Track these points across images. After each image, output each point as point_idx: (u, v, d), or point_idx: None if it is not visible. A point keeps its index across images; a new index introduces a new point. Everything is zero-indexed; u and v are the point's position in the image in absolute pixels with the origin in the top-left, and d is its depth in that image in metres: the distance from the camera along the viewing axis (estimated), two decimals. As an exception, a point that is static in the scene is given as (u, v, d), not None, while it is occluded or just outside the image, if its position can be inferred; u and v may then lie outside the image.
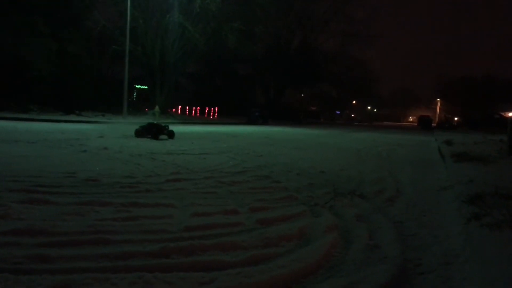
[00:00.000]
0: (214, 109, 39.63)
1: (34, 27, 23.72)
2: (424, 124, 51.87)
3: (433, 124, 55.88)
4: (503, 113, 47.65)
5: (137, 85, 34.92)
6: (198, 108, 39.75)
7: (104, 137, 12.25)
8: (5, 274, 2.54)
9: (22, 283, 2.45)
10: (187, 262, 3.01)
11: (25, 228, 3.41)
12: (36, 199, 4.28)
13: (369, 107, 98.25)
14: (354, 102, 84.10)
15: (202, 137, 15.16)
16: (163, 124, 13.36)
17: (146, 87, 34.84)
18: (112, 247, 3.15)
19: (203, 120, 32.96)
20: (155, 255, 3.07)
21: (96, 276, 2.59)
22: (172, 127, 13.79)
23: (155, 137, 12.59)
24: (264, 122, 34.08)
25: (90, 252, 3.04)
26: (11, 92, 23.55)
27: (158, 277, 2.65)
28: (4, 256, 2.84)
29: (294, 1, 46.75)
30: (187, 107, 39.11)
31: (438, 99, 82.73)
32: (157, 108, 26.05)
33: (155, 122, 14.31)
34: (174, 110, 36.25)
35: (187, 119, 31.15)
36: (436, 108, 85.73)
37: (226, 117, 38.72)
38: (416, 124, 63.68)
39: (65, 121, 20.01)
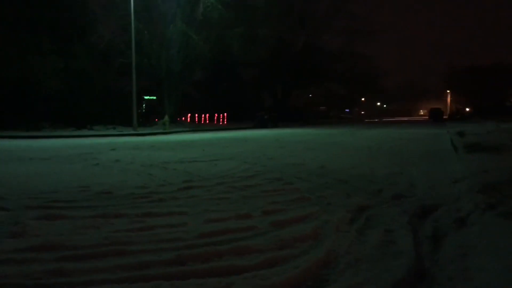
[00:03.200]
0: (223, 115, 39.75)
1: (40, 45, 24.07)
2: (435, 116, 51.46)
3: (444, 116, 55.38)
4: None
5: (146, 96, 35.19)
6: (207, 115, 39.91)
7: (116, 150, 12.37)
8: (25, 289, 2.59)
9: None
10: (203, 268, 3.03)
11: (43, 243, 3.46)
12: (52, 215, 4.35)
13: (378, 103, 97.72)
14: (363, 99, 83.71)
15: (212, 143, 15.23)
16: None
17: (155, 97, 35.12)
18: (128, 258, 3.19)
19: (212, 126, 33.10)
20: (171, 263, 3.10)
21: (114, 287, 2.63)
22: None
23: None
24: (273, 125, 34.08)
25: (107, 263, 3.08)
26: (22, 111, 23.90)
27: (175, 285, 2.68)
28: (24, 272, 2.89)
29: (294, 2, 46.76)
30: (196, 115, 39.31)
31: (448, 91, 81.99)
32: (166, 117, 26.25)
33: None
34: (183, 118, 36.47)
35: (196, 127, 31.31)
36: (446, 100, 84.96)
37: (235, 122, 38.82)
38: (427, 117, 63.13)
39: (78, 136, 20.24)
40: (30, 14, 23.85)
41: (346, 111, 76.51)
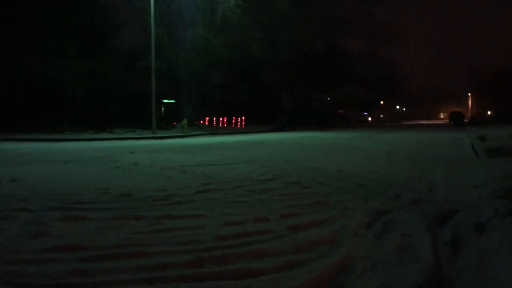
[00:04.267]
0: (241, 118, 39.86)
1: (63, 49, 24.60)
2: (456, 120, 50.62)
3: (465, 120, 54.46)
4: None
5: (164, 99, 35.55)
6: (226, 118, 40.07)
7: (135, 153, 12.54)
8: (48, 289, 2.67)
9: (65, 297, 2.56)
10: (220, 271, 3.07)
11: (65, 244, 3.56)
12: (74, 216, 4.45)
13: (398, 107, 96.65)
14: (382, 102, 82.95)
15: (230, 147, 15.30)
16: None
17: (174, 101, 35.44)
18: (147, 259, 3.25)
19: (230, 130, 33.23)
20: (189, 265, 3.15)
21: (134, 288, 2.69)
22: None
23: None
24: (292, 128, 34.02)
25: (127, 264, 3.15)
26: (45, 114, 24.42)
27: (193, 287, 2.73)
28: (46, 272, 2.98)
29: (316, 5, 46.61)
30: (214, 118, 39.50)
31: (469, 94, 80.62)
32: (185, 121, 26.46)
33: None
34: (202, 122, 36.67)
35: (215, 130, 31.48)
36: (467, 104, 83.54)
37: (253, 125, 38.86)
38: (447, 121, 62.14)
39: (98, 140, 20.56)
40: (55, 18, 24.42)
41: (365, 114, 75.86)
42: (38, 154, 12.07)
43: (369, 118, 76.84)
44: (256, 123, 40.20)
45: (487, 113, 67.14)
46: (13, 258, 3.26)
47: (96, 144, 17.72)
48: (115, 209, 4.88)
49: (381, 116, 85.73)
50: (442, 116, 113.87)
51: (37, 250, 3.44)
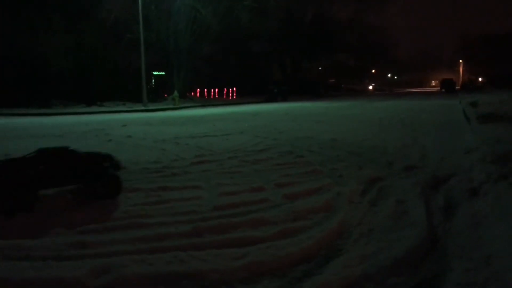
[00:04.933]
0: (232, 90, 39.57)
1: (49, 23, 24.02)
2: (448, 87, 50.64)
3: (456, 87, 54.56)
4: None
5: (154, 71, 35.04)
6: (217, 90, 39.74)
7: (127, 126, 12.46)
8: (48, 261, 2.68)
9: (65, 268, 2.58)
10: (219, 239, 3.11)
11: (63, 217, 3.55)
12: (69, 189, 4.43)
13: (389, 75, 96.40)
14: (373, 71, 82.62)
15: (222, 118, 15.25)
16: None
17: (163, 73, 34.98)
18: (146, 230, 3.27)
19: (222, 101, 33.04)
20: (188, 235, 3.19)
21: (134, 258, 2.71)
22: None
23: None
24: (283, 98, 33.85)
25: (126, 236, 3.17)
26: (33, 89, 24.03)
27: (192, 255, 2.76)
28: (46, 244, 2.99)
29: None
30: (206, 90, 39.15)
31: (460, 61, 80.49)
32: (175, 93, 26.22)
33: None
34: (192, 93, 36.35)
35: (206, 102, 31.26)
36: (459, 70, 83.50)
37: (244, 96, 38.63)
38: (439, 88, 62.28)
39: (88, 113, 20.37)
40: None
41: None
42: (29, 129, 11.94)
43: (370, 87, 76.33)
44: (247, 94, 39.97)
45: (478, 79, 67.26)
46: (6, 232, 3.26)
47: (86, 117, 17.56)
48: (111, 182, 4.87)
49: (373, 84, 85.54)
50: (433, 84, 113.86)
51: (34, 223, 3.43)
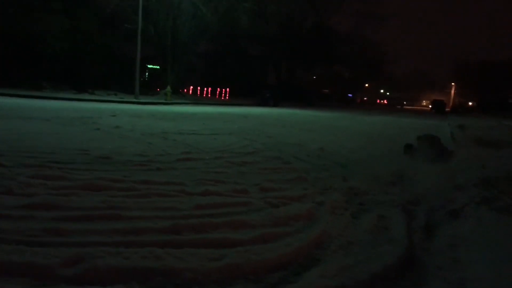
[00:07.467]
0: (226, 90, 39.52)
1: (46, 3, 23.71)
2: (438, 108, 51.27)
3: (446, 109, 55.22)
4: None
5: (149, 64, 34.84)
6: (210, 88, 39.67)
7: (116, 116, 12.34)
8: (21, 246, 2.62)
9: (38, 255, 2.52)
10: (197, 239, 3.07)
11: (40, 202, 3.49)
12: (50, 175, 4.36)
13: (382, 90, 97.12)
14: (366, 85, 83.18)
15: (213, 117, 15.20)
16: None
17: (158, 67, 34.78)
18: (124, 223, 3.22)
19: (214, 100, 32.94)
20: (166, 232, 3.14)
21: (109, 250, 2.66)
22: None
23: None
24: (275, 103, 33.88)
25: (103, 227, 3.12)
26: (24, 68, 23.66)
27: (169, 253, 2.72)
28: (20, 228, 2.93)
29: None
30: (199, 88, 39.07)
31: (453, 84, 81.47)
32: (168, 88, 26.07)
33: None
34: (185, 90, 36.22)
35: (198, 100, 31.15)
36: (450, 92, 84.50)
37: (237, 98, 38.59)
38: (429, 108, 62.92)
39: (78, 100, 20.11)
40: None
41: (349, 95, 76.10)
42: (16, 110, 11.76)
43: (352, 100, 76.89)
44: (240, 96, 39.97)
45: (468, 103, 68.18)
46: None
47: (76, 104, 17.36)
48: (93, 170, 4.81)
49: (365, 98, 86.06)
50: (424, 103, 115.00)
51: (11, 206, 3.36)
